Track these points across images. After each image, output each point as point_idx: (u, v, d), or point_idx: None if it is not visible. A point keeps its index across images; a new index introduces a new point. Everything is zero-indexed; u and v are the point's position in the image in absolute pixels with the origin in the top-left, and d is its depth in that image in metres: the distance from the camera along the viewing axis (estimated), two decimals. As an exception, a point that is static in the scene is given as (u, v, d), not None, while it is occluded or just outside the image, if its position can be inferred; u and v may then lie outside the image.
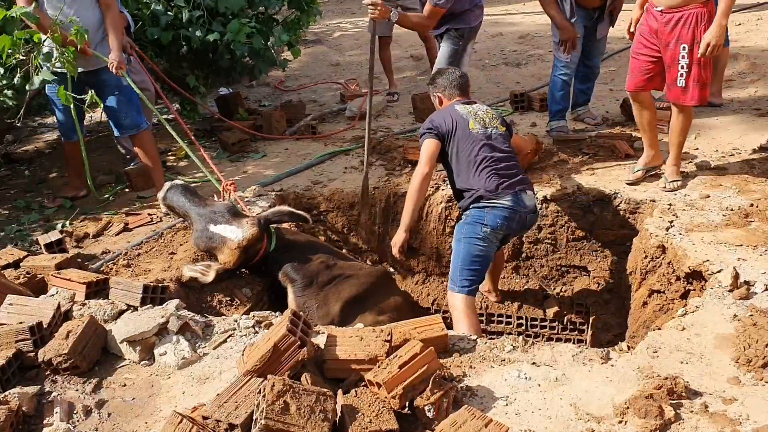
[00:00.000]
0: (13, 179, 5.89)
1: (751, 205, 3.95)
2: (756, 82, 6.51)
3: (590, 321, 4.73)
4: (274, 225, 3.90)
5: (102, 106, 4.47)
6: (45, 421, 2.52)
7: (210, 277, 3.61)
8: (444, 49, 5.16)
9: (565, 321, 4.81)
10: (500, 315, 4.86)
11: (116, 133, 4.97)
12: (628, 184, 4.56)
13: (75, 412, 2.57)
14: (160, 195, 3.95)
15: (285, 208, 3.98)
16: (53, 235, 3.99)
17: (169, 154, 5.98)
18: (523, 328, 4.81)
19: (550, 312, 4.78)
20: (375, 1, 4.49)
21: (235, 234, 3.66)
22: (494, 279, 4.71)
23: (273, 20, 6.59)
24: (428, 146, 3.86)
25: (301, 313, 2.69)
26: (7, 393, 2.56)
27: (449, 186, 4.06)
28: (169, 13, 5.61)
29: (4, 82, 4.29)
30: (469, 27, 5.11)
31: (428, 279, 5.08)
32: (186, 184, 3.99)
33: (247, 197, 4.57)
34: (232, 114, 6.51)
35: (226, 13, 5.77)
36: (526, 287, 4.89)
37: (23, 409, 2.52)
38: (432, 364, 2.38)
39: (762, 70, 6.76)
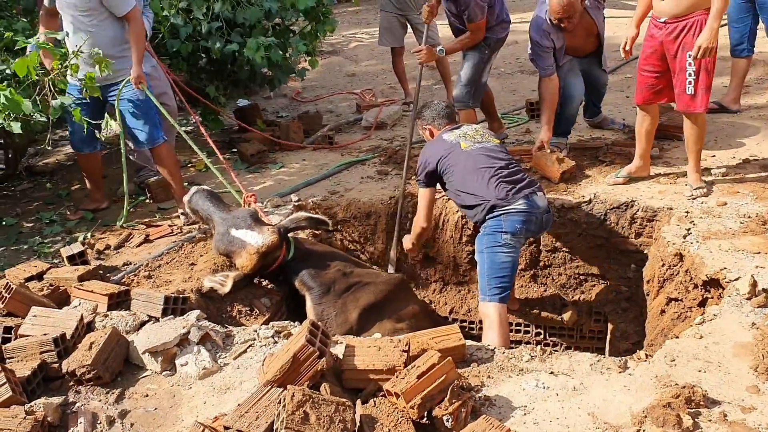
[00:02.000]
0: (35, 192, 5.97)
1: (769, 212, 3.93)
2: (774, 87, 6.46)
3: (608, 329, 4.72)
4: (293, 233, 3.94)
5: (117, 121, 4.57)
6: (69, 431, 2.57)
7: (227, 286, 3.65)
8: (470, 59, 5.19)
9: (583, 329, 4.80)
10: (518, 323, 4.87)
11: (132, 147, 5.03)
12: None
13: (99, 422, 2.63)
14: (186, 198, 4.05)
15: (302, 213, 4.03)
16: (75, 248, 4.06)
17: (189, 166, 6.04)
18: (541, 336, 4.81)
19: (568, 320, 4.78)
20: (421, 49, 4.84)
21: (255, 239, 3.71)
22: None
23: (290, 31, 6.65)
24: (426, 197, 4.07)
25: (319, 322, 2.72)
26: (32, 404, 2.61)
27: (457, 207, 4.16)
28: (188, 24, 5.68)
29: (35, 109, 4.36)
30: (497, 37, 5.16)
31: (445, 288, 5.09)
32: (211, 190, 4.08)
33: (265, 208, 4.61)
34: (251, 125, 6.57)
35: (245, 23, 5.84)
36: (544, 295, 4.89)
37: (48, 419, 2.58)
38: (450, 374, 2.41)
39: (780, 76, 6.71)
